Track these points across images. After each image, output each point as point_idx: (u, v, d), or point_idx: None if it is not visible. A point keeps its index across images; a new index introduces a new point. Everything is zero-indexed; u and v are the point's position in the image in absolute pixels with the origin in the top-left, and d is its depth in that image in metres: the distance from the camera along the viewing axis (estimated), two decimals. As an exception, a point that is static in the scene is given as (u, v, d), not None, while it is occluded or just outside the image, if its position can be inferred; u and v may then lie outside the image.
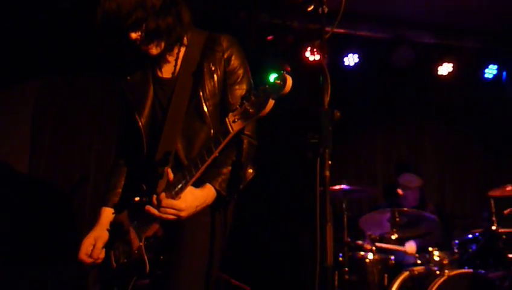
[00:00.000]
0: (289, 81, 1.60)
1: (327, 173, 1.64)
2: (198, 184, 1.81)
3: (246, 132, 1.92)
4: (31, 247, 4.26)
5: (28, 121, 4.79)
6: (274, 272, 5.07)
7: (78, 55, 4.50)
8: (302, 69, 5.23)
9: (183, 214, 1.75)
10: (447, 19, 5.34)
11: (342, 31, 5.23)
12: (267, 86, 1.62)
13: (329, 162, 1.65)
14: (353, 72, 5.46)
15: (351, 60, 5.41)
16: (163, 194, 1.75)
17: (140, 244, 1.86)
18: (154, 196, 1.77)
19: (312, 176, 1.65)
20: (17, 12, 4.48)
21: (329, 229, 1.57)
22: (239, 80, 1.95)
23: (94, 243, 1.98)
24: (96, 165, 4.90)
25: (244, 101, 1.66)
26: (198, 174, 1.75)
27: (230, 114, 1.69)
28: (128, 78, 2.03)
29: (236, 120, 1.67)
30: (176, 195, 1.75)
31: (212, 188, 1.82)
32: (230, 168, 1.86)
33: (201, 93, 1.90)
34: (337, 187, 4.22)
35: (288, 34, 5.06)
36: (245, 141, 1.92)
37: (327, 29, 1.86)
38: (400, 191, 4.96)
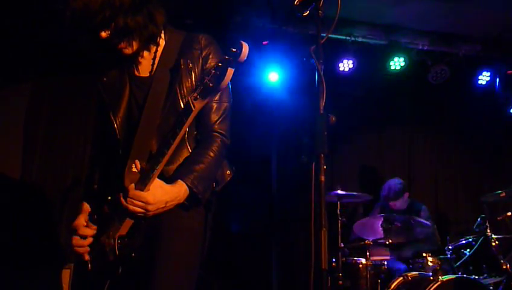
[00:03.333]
0: (245, 47, 1.57)
1: (322, 178, 1.64)
2: (170, 182, 1.78)
3: (219, 130, 1.90)
4: (22, 251, 4.22)
5: (20, 123, 4.76)
6: (268, 277, 5.06)
7: (72, 56, 4.47)
8: (297, 74, 5.24)
9: (150, 207, 1.71)
10: (441, 25, 5.38)
11: (336, 36, 5.25)
12: (225, 57, 1.60)
13: (325, 167, 1.65)
14: (347, 78, 5.48)
15: (345, 65, 5.43)
16: (132, 185, 1.72)
17: (114, 244, 1.81)
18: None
19: (307, 180, 1.65)
20: (11, 13, 4.46)
21: (324, 234, 1.57)
22: None
23: (86, 224, 1.92)
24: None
25: (205, 77, 1.63)
26: (165, 160, 1.71)
27: (192, 93, 1.67)
28: (105, 78, 2.01)
29: (198, 97, 1.64)
30: (144, 187, 1.71)
31: (184, 185, 1.77)
32: (203, 166, 1.82)
33: (178, 90, 1.87)
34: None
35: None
36: (218, 140, 1.89)
37: (323, 34, 1.87)
38: (391, 203, 4.97)
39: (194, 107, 1.65)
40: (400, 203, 4.94)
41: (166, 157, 1.71)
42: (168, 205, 1.76)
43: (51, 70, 4.80)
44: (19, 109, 4.78)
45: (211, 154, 1.85)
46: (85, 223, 1.92)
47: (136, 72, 1.98)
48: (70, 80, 4.94)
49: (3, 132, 4.69)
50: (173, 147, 1.71)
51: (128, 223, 1.80)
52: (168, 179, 1.80)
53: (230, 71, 1.57)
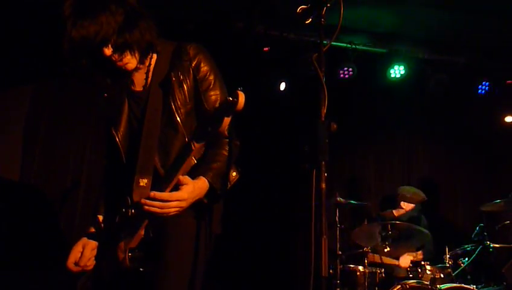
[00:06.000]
0: (241, 98, 1.64)
1: (323, 185, 1.64)
2: (192, 177, 1.87)
3: (228, 135, 1.98)
4: (20, 253, 4.21)
5: (20, 125, 4.76)
6: (266, 284, 5.04)
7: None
8: (298, 81, 5.26)
9: (184, 204, 1.81)
10: (441, 34, 5.41)
11: (337, 44, 5.27)
12: (222, 104, 1.68)
13: (325, 174, 1.65)
14: (347, 85, 5.49)
15: (345, 73, 5.44)
16: (154, 193, 1.78)
17: (125, 256, 1.88)
18: (150, 195, 1.80)
19: (308, 187, 1.65)
20: (13, 16, 4.48)
21: (324, 241, 1.57)
22: (211, 86, 2.00)
23: (82, 251, 2.01)
24: (88, 170, 4.87)
25: (203, 120, 1.74)
26: (174, 182, 1.81)
27: (194, 132, 1.79)
28: (105, 94, 2.10)
29: (197, 139, 1.75)
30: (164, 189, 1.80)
31: (206, 181, 1.87)
32: (219, 164, 1.93)
33: (172, 104, 1.96)
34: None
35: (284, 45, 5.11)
36: (227, 141, 1.98)
37: (325, 42, 1.87)
38: (402, 204, 4.95)
39: (195, 147, 1.75)
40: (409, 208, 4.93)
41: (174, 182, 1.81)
42: (194, 199, 1.85)
43: (52, 74, 4.81)
44: (20, 112, 4.79)
45: (224, 153, 1.95)
46: (81, 250, 2.01)
47: (132, 87, 2.06)
48: (71, 83, 4.94)
49: (3, 134, 4.69)
50: (179, 174, 1.80)
51: (140, 236, 1.87)
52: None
53: (227, 120, 1.67)
